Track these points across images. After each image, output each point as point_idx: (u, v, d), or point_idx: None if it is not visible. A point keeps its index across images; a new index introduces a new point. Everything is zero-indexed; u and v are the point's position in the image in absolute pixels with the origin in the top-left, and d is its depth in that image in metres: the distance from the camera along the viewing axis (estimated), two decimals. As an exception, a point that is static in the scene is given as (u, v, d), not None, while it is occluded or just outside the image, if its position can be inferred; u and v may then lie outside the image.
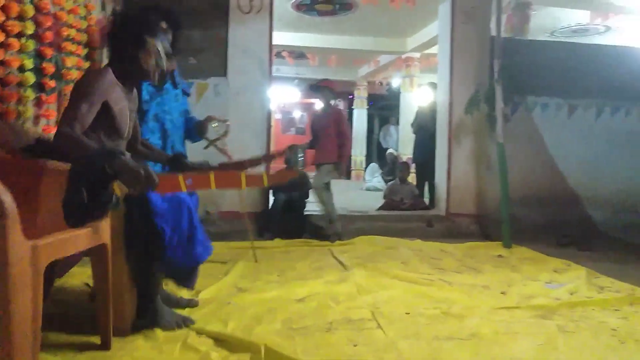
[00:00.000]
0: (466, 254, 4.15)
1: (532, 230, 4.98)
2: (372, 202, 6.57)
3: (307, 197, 5.12)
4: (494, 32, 4.89)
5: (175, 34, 2.37)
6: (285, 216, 4.81)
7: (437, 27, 6.03)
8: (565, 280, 3.20)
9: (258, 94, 5.01)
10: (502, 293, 2.91)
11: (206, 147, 3.01)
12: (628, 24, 7.42)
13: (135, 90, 2.08)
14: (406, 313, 2.46)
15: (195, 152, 2.90)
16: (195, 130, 2.87)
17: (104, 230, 1.80)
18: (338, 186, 11.12)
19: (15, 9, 2.17)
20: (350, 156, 13.50)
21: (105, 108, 1.83)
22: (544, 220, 5.28)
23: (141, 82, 2.32)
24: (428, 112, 6.08)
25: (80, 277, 2.87)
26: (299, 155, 4.86)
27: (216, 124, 2.97)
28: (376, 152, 13.98)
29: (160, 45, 1.95)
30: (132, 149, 2.17)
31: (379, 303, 2.61)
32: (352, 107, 13.35)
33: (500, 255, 4.12)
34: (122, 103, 1.91)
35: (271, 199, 5.11)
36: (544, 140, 5.49)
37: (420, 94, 7.54)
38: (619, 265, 3.76)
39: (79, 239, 1.65)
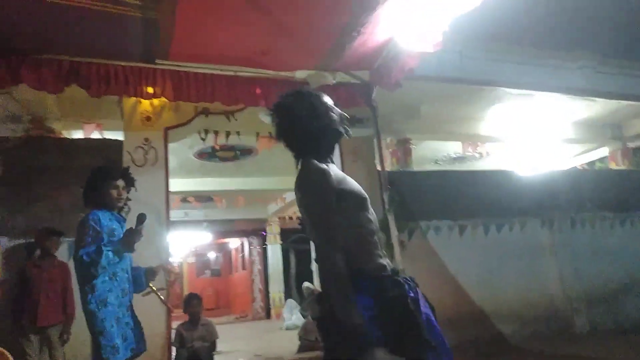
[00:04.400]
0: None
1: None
2: (292, 344, 6.26)
3: (215, 349, 4.79)
4: (379, 167, 5.32)
5: None
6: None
7: (331, 165, 6.44)
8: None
9: (155, 245, 4.84)
10: None
11: (146, 294, 3.11)
12: (497, 149, 8.45)
13: None
14: None
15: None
16: (145, 276, 3.03)
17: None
18: (255, 329, 10.63)
19: None
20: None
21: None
22: (457, 340, 5.28)
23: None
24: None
25: None
26: None
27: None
28: (295, 287, 13.74)
29: None
30: None
31: None
32: (266, 243, 13.37)
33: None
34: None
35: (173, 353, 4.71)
36: (443, 261, 5.75)
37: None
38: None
39: None
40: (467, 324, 5.48)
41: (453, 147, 8.30)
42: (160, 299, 3.22)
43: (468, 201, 6.08)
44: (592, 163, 9.43)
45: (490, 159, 8.93)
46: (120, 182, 2.92)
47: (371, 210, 1.77)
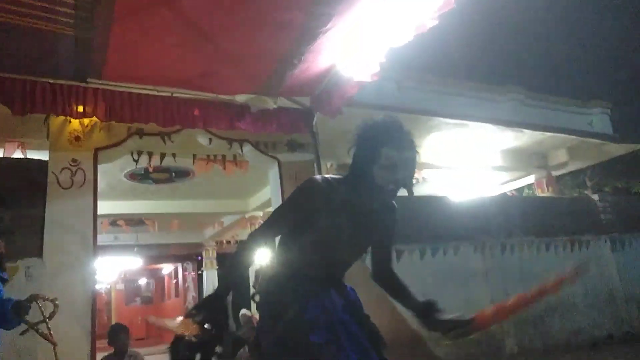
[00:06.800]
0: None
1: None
2: (224, 375, 6.03)
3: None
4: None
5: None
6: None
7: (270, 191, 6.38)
8: None
9: (80, 272, 4.54)
10: None
11: (23, 333, 2.68)
12: (433, 176, 8.74)
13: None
14: None
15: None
16: (12, 312, 2.52)
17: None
18: (189, 359, 10.17)
19: None
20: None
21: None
22: (395, 367, 5.30)
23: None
24: (269, 271, 6.09)
25: None
26: None
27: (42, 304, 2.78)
28: (232, 315, 13.35)
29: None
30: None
31: None
32: (202, 269, 12.95)
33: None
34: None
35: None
36: (379, 287, 5.76)
37: (259, 254, 7.55)
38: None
39: None
40: (405, 350, 5.49)
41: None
42: (41, 334, 2.80)
43: (404, 226, 6.17)
44: (520, 189, 9.95)
45: (427, 184, 9.21)
46: None
47: (339, 248, 1.78)
